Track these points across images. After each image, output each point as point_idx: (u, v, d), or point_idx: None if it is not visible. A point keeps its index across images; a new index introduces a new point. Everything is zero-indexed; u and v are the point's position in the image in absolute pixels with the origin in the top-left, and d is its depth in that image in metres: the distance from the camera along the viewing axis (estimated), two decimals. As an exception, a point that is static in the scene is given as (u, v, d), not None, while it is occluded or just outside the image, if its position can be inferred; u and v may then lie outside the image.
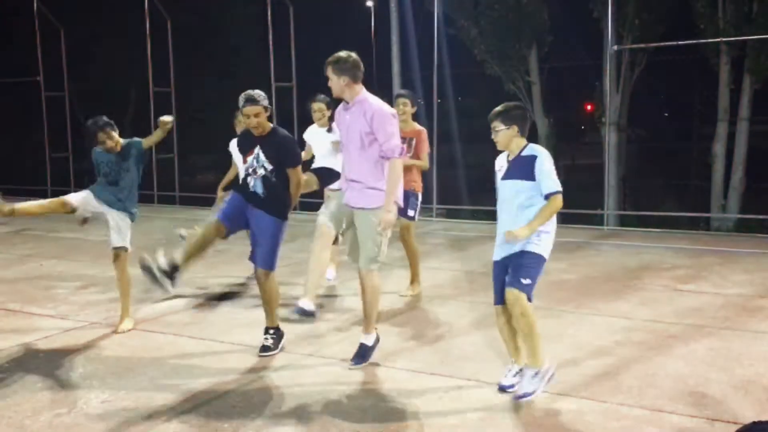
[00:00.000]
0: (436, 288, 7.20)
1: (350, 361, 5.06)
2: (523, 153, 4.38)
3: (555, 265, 7.90)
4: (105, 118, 5.94)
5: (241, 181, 5.61)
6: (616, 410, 4.22)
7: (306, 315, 4.90)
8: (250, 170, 5.38)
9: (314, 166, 7.09)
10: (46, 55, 16.10)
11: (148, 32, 14.63)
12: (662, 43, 13.30)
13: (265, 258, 5.31)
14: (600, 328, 5.79)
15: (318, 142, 7.10)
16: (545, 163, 4.31)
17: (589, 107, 19.87)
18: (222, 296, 7.10)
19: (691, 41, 12.78)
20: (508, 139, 4.40)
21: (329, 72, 4.98)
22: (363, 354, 5.10)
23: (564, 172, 17.85)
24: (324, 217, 5.15)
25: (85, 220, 6.09)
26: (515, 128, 4.37)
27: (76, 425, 4.17)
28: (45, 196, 16.14)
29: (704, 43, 13.05)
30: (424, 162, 6.81)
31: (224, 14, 22.04)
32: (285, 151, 5.38)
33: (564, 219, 13.57)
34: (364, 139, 4.92)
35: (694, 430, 3.96)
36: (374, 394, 4.55)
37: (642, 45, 13.82)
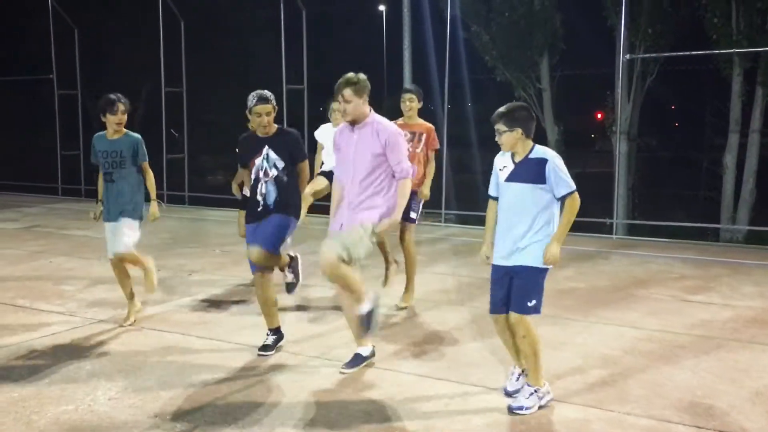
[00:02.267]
0: (444, 293, 7.19)
1: (342, 366, 5.04)
2: (532, 155, 4.25)
3: (563, 273, 7.89)
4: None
5: (250, 197, 5.52)
6: (622, 420, 4.20)
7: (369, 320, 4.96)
8: (261, 173, 5.37)
9: (324, 168, 7.07)
10: (59, 54, 16.19)
11: (161, 33, 14.69)
12: (675, 53, 13.28)
13: (272, 242, 5.24)
14: (607, 337, 5.78)
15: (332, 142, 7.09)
16: (558, 164, 4.21)
17: (599, 116, 19.83)
18: (229, 297, 7.11)
19: (704, 52, 12.75)
20: (513, 142, 4.25)
21: (348, 94, 4.89)
22: (355, 360, 5.08)
23: (574, 179, 17.84)
24: (328, 250, 4.91)
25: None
26: (519, 131, 4.22)
27: (82, 421, 4.18)
28: (56, 194, 16.31)
29: (717, 53, 13.00)
30: (432, 166, 6.71)
31: (237, 17, 22.13)
32: (295, 145, 5.44)
33: (572, 227, 13.53)
34: (373, 160, 4.91)
35: (701, 441, 3.95)
36: (380, 397, 4.55)
37: (655, 54, 13.80)
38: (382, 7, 26.65)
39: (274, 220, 5.33)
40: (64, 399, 4.51)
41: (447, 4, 12.42)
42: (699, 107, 18.83)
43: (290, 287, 5.72)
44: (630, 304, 6.80)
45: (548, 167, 4.18)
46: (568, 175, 4.23)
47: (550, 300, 6.83)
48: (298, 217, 5.50)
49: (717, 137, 16.98)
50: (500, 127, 4.25)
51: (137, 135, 6.03)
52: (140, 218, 6.07)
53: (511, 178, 4.29)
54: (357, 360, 5.07)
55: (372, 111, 5.04)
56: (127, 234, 5.97)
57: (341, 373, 4.97)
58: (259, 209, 5.37)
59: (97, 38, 19.78)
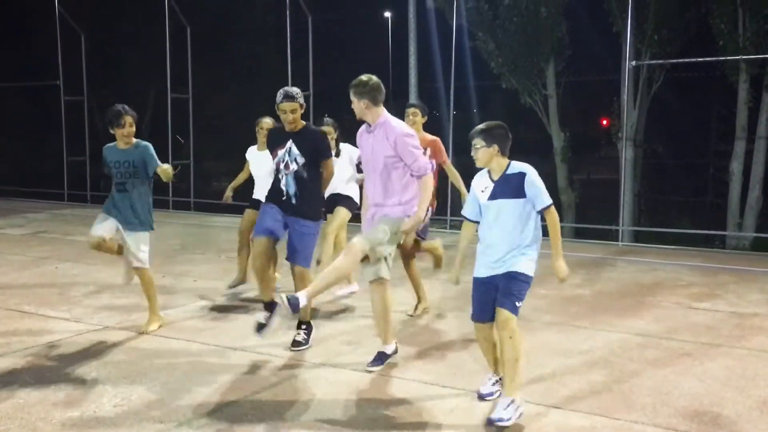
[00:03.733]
0: (449, 300, 7.17)
1: (367, 364, 5.17)
2: (509, 171, 4.37)
3: (570, 280, 7.82)
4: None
5: (270, 189, 5.73)
6: (629, 428, 4.19)
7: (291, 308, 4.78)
8: (281, 165, 5.56)
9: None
10: (66, 60, 16.25)
11: (167, 39, 14.74)
12: (681, 60, 13.27)
13: (305, 257, 5.54)
14: (614, 345, 5.76)
15: None
16: (535, 179, 4.33)
17: (605, 122, 19.81)
18: (235, 304, 7.11)
19: (710, 58, 12.73)
20: (488, 158, 4.39)
21: (351, 95, 5.13)
22: (380, 358, 5.22)
23: (579, 186, 17.82)
24: (357, 238, 5.13)
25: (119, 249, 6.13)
26: (496, 147, 4.36)
27: (87, 428, 4.18)
28: (62, 200, 16.36)
29: (723, 60, 12.98)
30: (455, 173, 6.83)
31: (244, 23, 22.20)
32: (319, 144, 5.62)
33: (579, 234, 13.53)
34: (387, 162, 5.06)
35: (709, 450, 3.93)
36: (385, 405, 4.54)
37: (661, 61, 13.78)
38: (387, 14, 26.71)
39: (304, 234, 5.53)
40: (69, 405, 4.51)
41: (453, 12, 12.44)
42: (705, 113, 18.80)
43: (260, 327, 5.52)
44: (636, 312, 6.78)
45: (526, 181, 4.32)
46: (545, 190, 4.37)
47: (556, 307, 6.85)
48: (320, 218, 5.72)
49: (723, 144, 16.96)
50: (477, 142, 4.41)
51: (146, 143, 6.00)
52: (151, 228, 6.09)
53: (493, 196, 4.42)
54: (381, 358, 5.21)
55: (385, 113, 5.15)
56: (143, 250, 6.01)
57: (367, 371, 5.10)
58: (283, 198, 5.58)
59: (104, 44, 19.86)
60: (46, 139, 21.05)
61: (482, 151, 4.40)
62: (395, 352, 5.32)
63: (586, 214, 16.62)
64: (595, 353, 5.53)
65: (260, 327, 5.52)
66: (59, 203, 16.06)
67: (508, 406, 4.27)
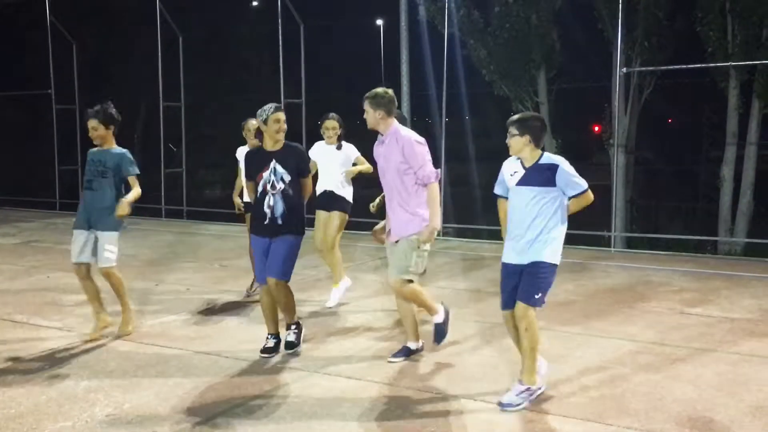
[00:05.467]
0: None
1: (390, 356, 5.51)
2: (542, 161, 4.59)
3: (562, 286, 7.88)
4: (109, 111, 6.12)
5: (255, 210, 5.67)
6: (622, 433, 4.19)
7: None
8: (268, 186, 5.53)
9: (318, 188, 7.13)
10: (57, 69, 16.21)
11: (159, 48, 14.73)
12: (671, 66, 13.33)
13: (279, 267, 5.50)
14: (606, 350, 5.77)
15: (326, 159, 7.13)
16: (568, 169, 4.57)
17: (596, 128, 19.87)
18: (228, 311, 7.09)
19: (700, 65, 12.80)
20: (520, 146, 4.60)
21: (366, 105, 5.37)
22: (404, 352, 5.53)
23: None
24: (391, 277, 5.41)
25: None
26: (528, 137, 4.57)
27: (80, 438, 4.17)
28: (53, 208, 16.30)
29: (713, 67, 13.05)
30: None
31: (236, 31, 22.22)
32: (302, 159, 5.72)
33: (571, 240, 13.52)
34: (399, 168, 5.32)
35: (702, 455, 3.93)
36: (379, 412, 4.53)
37: (651, 68, 13.85)
38: (379, 22, 26.77)
39: (286, 244, 5.54)
40: (61, 415, 4.49)
41: (444, 20, 12.48)
42: (696, 120, 18.90)
43: (290, 346, 5.73)
44: (629, 317, 6.79)
45: (559, 172, 4.55)
46: (579, 177, 4.61)
47: (549, 313, 6.84)
48: (303, 233, 5.71)
49: (714, 149, 17.03)
50: (512, 130, 4.63)
51: (122, 150, 6.10)
52: (118, 228, 6.07)
53: (522, 182, 4.63)
54: (405, 351, 5.54)
55: (396, 123, 5.43)
56: (108, 249, 6.00)
57: (389, 362, 5.41)
58: (266, 222, 5.56)
59: (96, 53, 19.84)
60: (38, 147, 20.97)
61: (515, 140, 4.60)
62: (421, 348, 5.61)
63: (579, 220, 16.65)
64: (587, 359, 5.54)
65: (266, 350, 5.64)
66: (51, 212, 16.00)
67: (521, 392, 4.52)
